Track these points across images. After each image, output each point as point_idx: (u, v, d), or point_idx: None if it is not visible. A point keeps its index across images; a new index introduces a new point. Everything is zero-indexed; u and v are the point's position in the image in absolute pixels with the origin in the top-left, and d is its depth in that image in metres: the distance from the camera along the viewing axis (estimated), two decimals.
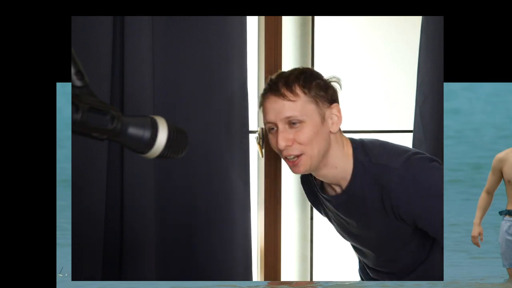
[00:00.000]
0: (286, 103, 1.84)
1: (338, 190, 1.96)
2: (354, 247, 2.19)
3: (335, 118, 1.90)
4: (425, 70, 2.98)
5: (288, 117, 1.84)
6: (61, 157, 2.42)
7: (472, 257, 3.36)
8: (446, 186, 3.24)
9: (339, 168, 1.92)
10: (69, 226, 2.29)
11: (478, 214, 2.92)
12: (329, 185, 1.98)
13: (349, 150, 1.93)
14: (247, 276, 2.51)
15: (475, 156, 6.06)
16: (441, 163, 1.93)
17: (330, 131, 1.89)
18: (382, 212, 1.91)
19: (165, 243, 2.41)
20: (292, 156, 1.87)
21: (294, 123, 1.84)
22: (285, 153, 1.87)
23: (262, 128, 2.54)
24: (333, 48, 2.78)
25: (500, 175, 2.87)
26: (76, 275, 2.26)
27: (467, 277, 2.88)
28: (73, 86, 1.26)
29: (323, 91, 1.88)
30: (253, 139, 2.52)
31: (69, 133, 1.86)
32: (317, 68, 2.63)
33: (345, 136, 1.97)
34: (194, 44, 2.38)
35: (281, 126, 1.86)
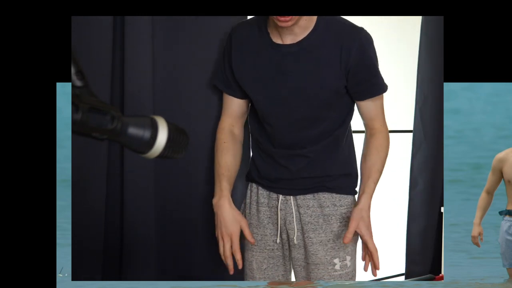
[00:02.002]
0: None
1: (288, 41, 2.07)
2: (260, 125, 2.24)
3: None
4: (425, 70, 2.99)
5: None
6: (61, 157, 2.42)
7: (472, 257, 3.36)
8: (446, 186, 3.24)
9: (305, 17, 2.03)
10: (69, 226, 2.30)
11: (478, 214, 2.92)
12: (279, 37, 2.08)
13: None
14: None
15: (475, 156, 6.06)
16: None
17: None
18: (333, 63, 2.03)
19: (165, 243, 2.41)
20: None
21: None
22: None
23: None
24: None
25: (500, 175, 2.87)
26: (76, 275, 2.26)
27: (467, 277, 2.88)
28: (73, 86, 1.27)
29: None
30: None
31: (69, 133, 1.86)
32: None
33: None
34: (194, 44, 2.38)
35: None
